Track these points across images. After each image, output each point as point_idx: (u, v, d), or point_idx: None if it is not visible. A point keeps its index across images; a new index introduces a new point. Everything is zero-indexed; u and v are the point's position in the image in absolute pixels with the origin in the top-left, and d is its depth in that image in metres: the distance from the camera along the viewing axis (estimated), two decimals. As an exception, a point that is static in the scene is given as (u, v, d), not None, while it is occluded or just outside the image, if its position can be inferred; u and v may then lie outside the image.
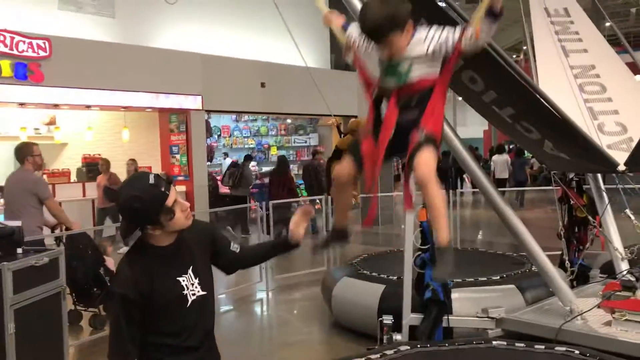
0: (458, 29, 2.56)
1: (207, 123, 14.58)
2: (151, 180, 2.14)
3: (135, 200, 2.11)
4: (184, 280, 2.26)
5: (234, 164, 14.31)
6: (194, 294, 2.28)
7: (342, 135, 10.21)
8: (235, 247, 2.49)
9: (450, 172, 19.01)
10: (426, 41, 2.56)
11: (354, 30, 2.82)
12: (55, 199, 7.02)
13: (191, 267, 2.31)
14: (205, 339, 2.35)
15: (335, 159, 9.67)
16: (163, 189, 2.15)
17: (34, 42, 10.31)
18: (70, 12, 12.02)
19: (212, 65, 13.49)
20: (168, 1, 4.70)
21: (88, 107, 11.95)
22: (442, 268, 2.57)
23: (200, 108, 13.41)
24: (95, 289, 5.92)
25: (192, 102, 13.17)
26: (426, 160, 2.54)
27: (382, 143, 2.63)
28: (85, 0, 12.29)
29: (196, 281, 2.30)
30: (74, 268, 5.62)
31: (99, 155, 12.84)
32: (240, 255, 2.51)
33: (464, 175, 18.80)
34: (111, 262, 6.16)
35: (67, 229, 5.92)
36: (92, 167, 12.42)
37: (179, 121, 13.43)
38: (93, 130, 12.94)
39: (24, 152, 5.97)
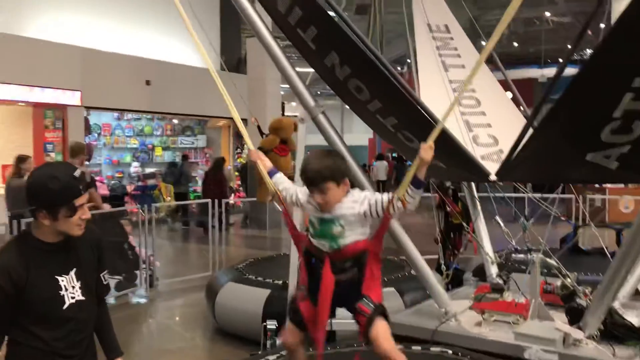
0: (386, 197, 2.69)
1: (86, 120, 13.85)
2: (76, 173, 2.14)
3: (52, 181, 2.09)
4: (63, 281, 2.17)
5: (172, 164, 16.07)
6: (72, 297, 2.18)
7: (263, 136, 10.05)
8: (104, 284, 2.39)
9: None
10: (358, 202, 2.68)
11: (281, 180, 3.00)
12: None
13: (74, 270, 2.22)
14: (80, 347, 2.24)
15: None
16: (80, 187, 2.15)
17: None
18: None
19: (93, 60, 12.86)
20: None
21: (-49, 98, 10.96)
22: None
23: (79, 104, 12.72)
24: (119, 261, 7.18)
25: (69, 98, 12.46)
26: (384, 335, 2.65)
27: (323, 312, 2.68)
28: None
29: (77, 284, 2.21)
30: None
31: (-38, 151, 11.77)
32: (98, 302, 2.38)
33: None
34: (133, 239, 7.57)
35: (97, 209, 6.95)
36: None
37: (55, 117, 12.64)
38: (-44, 123, 11.85)
39: (78, 150, 7.52)
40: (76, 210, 2.13)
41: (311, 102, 4.30)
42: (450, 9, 6.36)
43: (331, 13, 3.95)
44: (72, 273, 2.21)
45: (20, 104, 12.11)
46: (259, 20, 4.24)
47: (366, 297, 2.69)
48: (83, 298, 2.22)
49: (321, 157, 2.75)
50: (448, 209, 5.85)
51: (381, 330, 2.65)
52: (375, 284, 2.74)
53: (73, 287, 2.19)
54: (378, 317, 2.67)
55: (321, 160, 2.72)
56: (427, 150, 2.60)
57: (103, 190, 13.53)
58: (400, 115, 4.10)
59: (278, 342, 4.36)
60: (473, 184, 5.60)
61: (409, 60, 6.78)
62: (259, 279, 5.69)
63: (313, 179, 2.67)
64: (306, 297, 2.78)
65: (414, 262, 4.50)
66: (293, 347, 2.90)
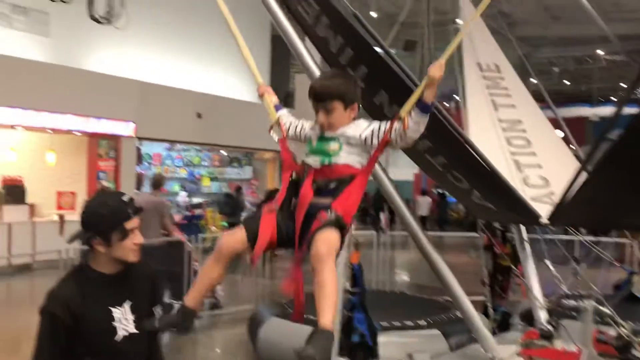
0: (389, 122, 2.48)
1: (138, 150, 14.26)
2: (124, 198, 2.24)
3: (102, 207, 2.19)
4: (117, 312, 2.22)
5: (228, 195, 16.43)
6: (126, 330, 2.22)
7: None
8: (156, 317, 2.31)
9: (371, 210, 21.43)
10: (362, 128, 2.48)
11: (286, 114, 2.78)
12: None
13: (129, 302, 2.26)
14: None
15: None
16: (130, 211, 2.22)
17: (-41, 56, 9.86)
18: (0, 27, 11.60)
19: (148, 93, 13.30)
20: (117, 27, 4.63)
21: (13, 126, 11.45)
22: (312, 350, 2.11)
23: (133, 135, 13.13)
24: None
25: (124, 128, 12.88)
26: (326, 240, 2.29)
27: (297, 225, 2.40)
28: (16, 16, 11.89)
29: (131, 317, 2.25)
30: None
31: (20, 177, 12.25)
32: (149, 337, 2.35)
33: (380, 215, 20.72)
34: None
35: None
36: (12, 190, 11.81)
37: (109, 147, 13.06)
38: (16, 151, 12.35)
39: (161, 181, 8.57)
40: (127, 234, 2.19)
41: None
42: (501, 47, 6.35)
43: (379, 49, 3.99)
44: (127, 305, 2.25)
45: (76, 133, 12.58)
46: (310, 58, 4.31)
47: (331, 209, 2.36)
48: (136, 331, 2.24)
49: (335, 75, 2.63)
50: (496, 250, 5.73)
51: (325, 236, 2.28)
52: (349, 203, 2.42)
53: (127, 319, 2.23)
54: (332, 226, 2.33)
55: (334, 77, 2.57)
56: (437, 68, 2.34)
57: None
58: (449, 155, 4.08)
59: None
60: (522, 226, 5.48)
61: (456, 97, 6.75)
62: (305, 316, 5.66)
63: (321, 94, 2.48)
64: (274, 212, 2.46)
65: (459, 303, 4.41)
66: (226, 253, 2.40)
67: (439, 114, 3.70)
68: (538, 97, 6.90)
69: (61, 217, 11.98)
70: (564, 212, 3.76)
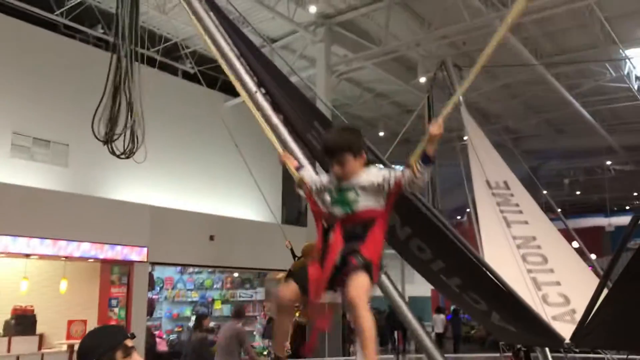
0: (399, 169, 2.83)
1: (151, 275, 14.17)
2: (117, 328, 2.42)
3: (100, 332, 2.33)
4: None
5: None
6: None
7: (295, 259, 10.07)
8: None
9: (389, 330, 21.77)
10: (374, 175, 2.83)
11: (308, 173, 3.25)
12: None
13: None
14: None
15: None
16: (127, 332, 2.33)
17: (-21, 188, 10.14)
18: (23, 160, 12.04)
19: (160, 217, 13.45)
20: (136, 160, 4.78)
21: (27, 256, 11.51)
22: None
23: (145, 260, 13.12)
24: None
25: (137, 254, 12.90)
26: (358, 284, 2.66)
27: (327, 268, 2.75)
28: (38, 149, 12.37)
29: None
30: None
31: (32, 307, 12.11)
32: None
33: (395, 333, 21.86)
34: None
35: None
36: (22, 320, 11.63)
37: (121, 273, 13.01)
38: (29, 280, 12.31)
39: (242, 312, 8.86)
40: (131, 352, 2.25)
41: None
42: (508, 162, 6.43)
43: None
44: None
45: (90, 260, 12.59)
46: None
47: (359, 253, 2.73)
48: None
49: (339, 131, 3.05)
50: (521, 372, 5.45)
51: (358, 281, 2.66)
52: (374, 246, 2.78)
53: None
54: (362, 269, 2.69)
55: (339, 133, 2.99)
56: (437, 126, 2.63)
57: (162, 346, 13.46)
58: (464, 276, 3.99)
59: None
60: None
61: (467, 210, 6.75)
62: None
63: (332, 150, 2.84)
64: (317, 261, 2.84)
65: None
66: (285, 303, 2.92)
67: (454, 237, 3.68)
68: (550, 209, 6.89)
69: (70, 347, 11.69)
70: (587, 333, 3.60)
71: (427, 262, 4.09)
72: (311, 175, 3.19)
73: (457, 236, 3.73)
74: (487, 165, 6.02)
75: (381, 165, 3.03)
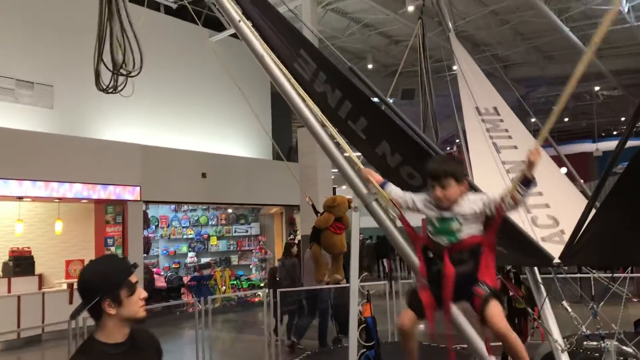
0: (498, 195, 2.95)
1: (145, 214, 14.29)
2: (120, 256, 2.19)
3: (103, 265, 2.22)
4: None
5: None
6: None
7: (318, 214, 10.18)
8: None
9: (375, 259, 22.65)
10: (474, 202, 2.95)
11: (396, 189, 3.31)
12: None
13: None
14: None
15: (314, 239, 9.57)
16: (130, 265, 2.26)
17: (-34, 132, 10.03)
18: (7, 103, 11.85)
19: (152, 156, 13.42)
20: (123, 95, 4.70)
21: (20, 198, 11.53)
22: None
23: (139, 199, 13.18)
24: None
25: (130, 193, 12.94)
26: (499, 314, 2.84)
27: (447, 300, 2.96)
28: (22, 91, 12.16)
29: None
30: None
31: (29, 248, 12.24)
32: None
33: (383, 260, 22.49)
34: None
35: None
36: (20, 261, 11.78)
37: (116, 212, 13.10)
38: (23, 222, 12.39)
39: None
40: (134, 288, 2.20)
41: (364, 189, 4.31)
42: (498, 90, 6.41)
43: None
44: None
45: (83, 201, 12.64)
46: (310, 114, 4.35)
47: (482, 282, 2.90)
48: None
49: (445, 158, 3.25)
50: (510, 293, 5.62)
51: (496, 311, 2.83)
52: (490, 272, 2.95)
53: None
54: (493, 299, 2.86)
55: (445, 160, 3.17)
56: (535, 154, 2.76)
57: (160, 282, 13.74)
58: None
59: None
60: (535, 267, 5.40)
61: (457, 141, 6.78)
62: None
63: (437, 173, 2.96)
64: (426, 287, 3.01)
65: (477, 350, 4.30)
66: (408, 330, 3.11)
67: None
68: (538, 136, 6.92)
69: (70, 286, 11.91)
70: (576, 252, 3.71)
71: (418, 188, 4.14)
72: (398, 192, 3.28)
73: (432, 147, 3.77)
74: (477, 92, 6.00)
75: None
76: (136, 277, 2.26)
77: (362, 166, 3.57)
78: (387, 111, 3.96)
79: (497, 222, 2.95)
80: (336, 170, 4.83)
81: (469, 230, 2.93)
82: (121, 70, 4.48)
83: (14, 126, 11.40)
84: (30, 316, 10.97)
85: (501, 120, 5.92)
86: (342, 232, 9.34)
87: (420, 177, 4.00)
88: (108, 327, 2.17)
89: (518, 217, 4.69)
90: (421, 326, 3.32)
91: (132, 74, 4.57)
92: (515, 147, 5.60)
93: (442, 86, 6.90)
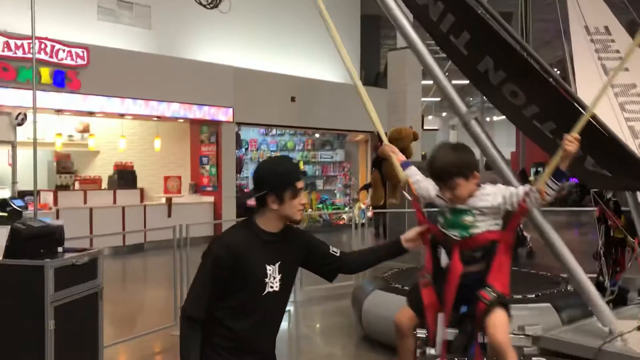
0: (521, 188, 2.68)
1: (237, 135, 14.72)
2: (295, 161, 2.40)
3: (279, 166, 2.41)
4: (269, 270, 2.36)
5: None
6: (271, 287, 2.36)
7: (372, 169, 10.55)
8: (334, 250, 2.60)
9: None
10: (492, 196, 2.67)
11: (416, 173, 2.97)
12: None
13: (279, 262, 2.39)
14: (265, 343, 2.42)
15: (375, 165, 9.87)
16: (299, 172, 2.47)
17: (73, 50, 10.59)
18: (109, 23, 12.31)
19: (244, 78, 13.66)
20: (222, 11, 4.80)
21: (122, 115, 12.17)
22: None
23: (231, 120, 13.56)
24: None
25: (223, 114, 13.33)
26: (501, 325, 2.57)
27: (449, 300, 2.68)
28: (122, 11, 12.57)
29: (278, 277, 2.39)
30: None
31: (131, 163, 13.01)
32: (343, 259, 2.61)
33: None
34: None
35: None
36: (124, 175, 12.59)
37: (210, 132, 13.58)
38: (126, 138, 13.14)
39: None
40: (298, 193, 2.36)
41: (463, 107, 4.22)
42: (612, 10, 5.97)
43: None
44: (277, 265, 2.39)
45: (179, 120, 13.17)
46: (412, 29, 4.25)
47: (489, 286, 2.62)
48: (278, 290, 2.39)
49: (447, 152, 2.74)
50: (609, 222, 5.44)
51: (498, 320, 2.57)
52: (502, 275, 2.66)
53: (274, 277, 2.37)
54: (497, 306, 2.60)
55: (447, 155, 2.70)
56: (571, 142, 2.57)
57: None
58: (559, 121, 3.91)
59: (428, 351, 4.30)
60: (639, 194, 5.17)
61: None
62: (406, 287, 5.66)
63: (440, 176, 2.67)
64: (429, 284, 2.78)
65: (576, 276, 4.24)
66: (405, 329, 2.91)
67: (549, 77, 3.56)
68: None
69: (168, 200, 12.64)
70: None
71: (520, 108, 4.01)
72: (417, 177, 2.95)
73: (555, 77, 3.62)
74: (587, 10, 5.62)
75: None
76: (302, 183, 2.41)
77: (386, 140, 3.19)
78: (493, 24, 3.79)
79: (517, 219, 2.70)
80: (426, 98, 4.74)
81: (484, 225, 2.65)
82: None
83: (116, 45, 11.88)
84: (134, 227, 11.81)
85: (612, 41, 5.55)
86: None
87: (523, 96, 3.87)
88: (267, 218, 2.37)
89: (625, 142, 4.48)
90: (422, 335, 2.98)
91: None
92: (627, 69, 5.26)
93: (551, 6, 6.47)
